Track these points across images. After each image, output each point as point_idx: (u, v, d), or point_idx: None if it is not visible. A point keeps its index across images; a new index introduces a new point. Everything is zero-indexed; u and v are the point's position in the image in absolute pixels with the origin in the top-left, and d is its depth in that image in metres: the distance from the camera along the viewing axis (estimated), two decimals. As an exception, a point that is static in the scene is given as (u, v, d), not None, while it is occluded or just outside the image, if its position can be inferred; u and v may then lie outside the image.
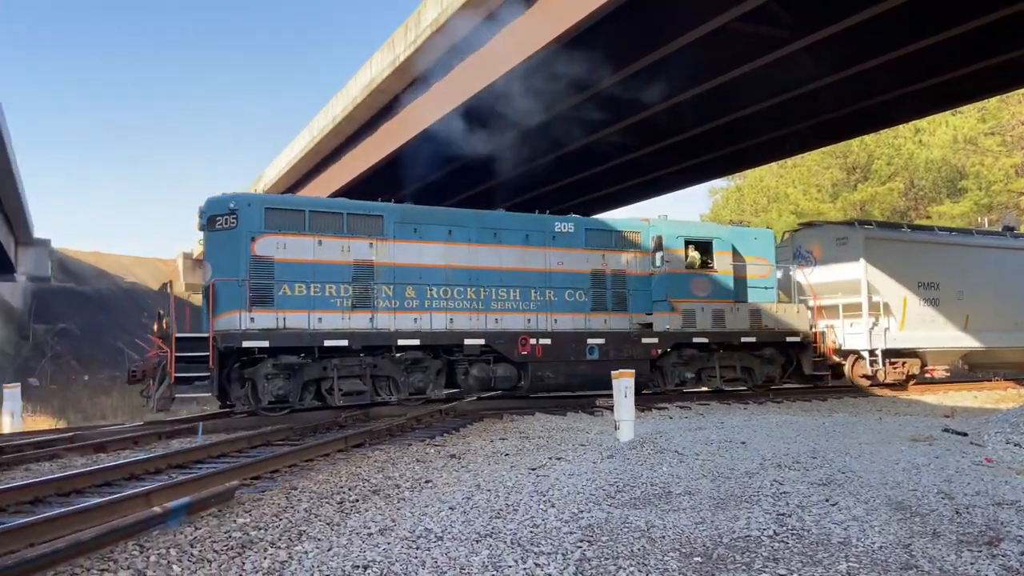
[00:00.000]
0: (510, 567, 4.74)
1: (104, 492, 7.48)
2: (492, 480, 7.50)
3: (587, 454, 9.08)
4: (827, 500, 6.29)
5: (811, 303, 18.38)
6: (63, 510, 6.01)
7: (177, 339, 12.45)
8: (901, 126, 36.08)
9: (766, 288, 17.64)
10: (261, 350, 12.87)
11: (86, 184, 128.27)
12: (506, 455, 9.21)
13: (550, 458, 8.85)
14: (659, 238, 16.37)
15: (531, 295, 15.18)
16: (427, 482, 7.58)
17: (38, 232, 40.31)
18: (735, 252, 17.10)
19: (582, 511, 6.15)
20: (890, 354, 18.81)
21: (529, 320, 15.06)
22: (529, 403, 14.83)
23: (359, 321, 13.68)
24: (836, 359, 18.57)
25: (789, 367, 17.72)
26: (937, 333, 19.65)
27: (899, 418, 13.08)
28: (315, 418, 12.72)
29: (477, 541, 5.32)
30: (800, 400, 16.52)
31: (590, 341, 15.37)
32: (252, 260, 13.04)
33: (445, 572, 4.68)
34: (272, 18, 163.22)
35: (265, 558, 5.02)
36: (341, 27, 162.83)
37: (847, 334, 18.66)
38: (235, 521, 5.97)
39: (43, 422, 14.06)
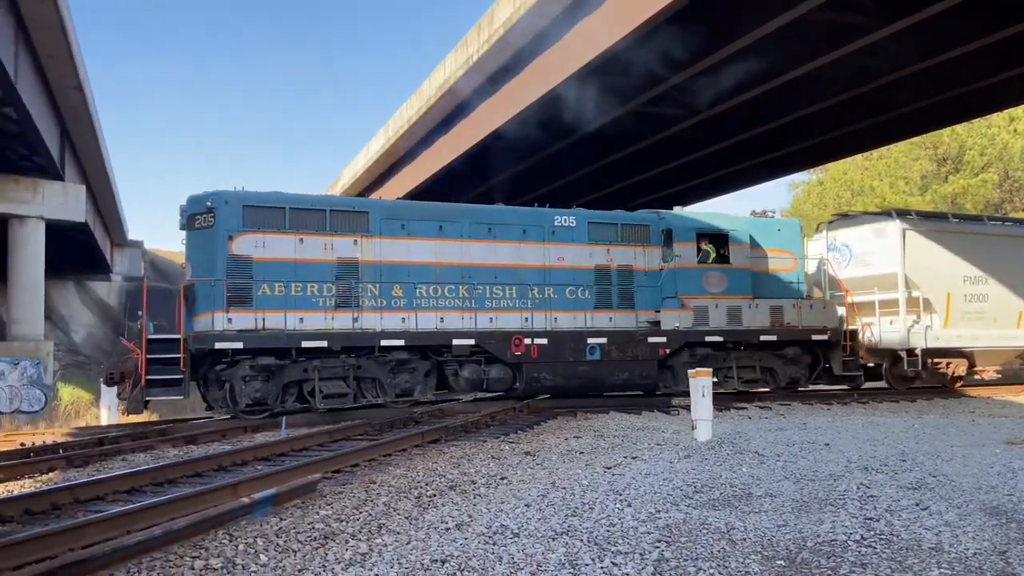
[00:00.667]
0: (587, 565, 4.73)
1: (195, 482, 7.80)
2: (567, 478, 7.49)
3: (663, 454, 8.97)
4: (917, 504, 6.05)
5: (847, 299, 17.34)
6: (157, 499, 6.29)
7: (149, 340, 12.23)
8: (995, 114, 34.27)
9: (791, 283, 16.60)
10: (236, 352, 12.55)
11: (175, 185, 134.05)
12: (581, 453, 9.19)
13: (625, 457, 8.78)
14: (669, 231, 15.50)
15: (529, 292, 14.51)
16: (502, 479, 7.62)
17: (132, 235, 42.45)
18: (754, 245, 16.11)
19: (659, 511, 6.07)
20: (932, 354, 17.45)
21: (526, 319, 14.40)
22: (603, 401, 14.70)
23: (343, 321, 13.27)
24: (871, 360, 17.36)
25: (817, 367, 16.60)
26: (987, 331, 18.04)
27: (993, 420, 12.46)
28: (391, 414, 12.93)
29: (553, 539, 5.32)
30: (887, 401, 15.89)
31: (591, 341, 14.60)
32: (230, 259, 12.75)
33: (522, 568, 4.70)
34: (352, 23, 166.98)
35: (347, 550, 5.14)
36: (416, 33, 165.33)
37: (884, 332, 17.38)
38: (318, 513, 6.14)
39: (137, 415, 14.73)
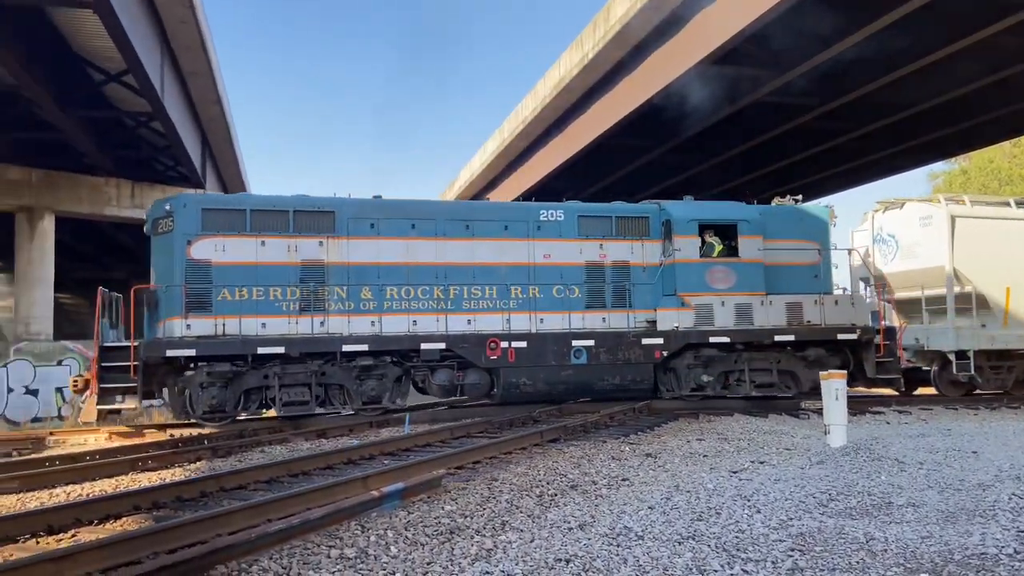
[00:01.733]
0: (716, 572, 4.60)
1: (327, 475, 8.15)
2: (691, 481, 7.32)
3: (793, 459, 8.62)
4: (1083, 521, 5.52)
5: (880, 294, 15.80)
6: (295, 490, 6.62)
7: (101, 348, 11.95)
8: None
9: (816, 276, 14.82)
10: (190, 359, 12.21)
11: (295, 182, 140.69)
12: (704, 456, 8.96)
13: (752, 462, 8.50)
14: (668, 223, 14.27)
15: (511, 292, 13.62)
16: (624, 480, 7.54)
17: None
18: (771, 235, 14.54)
19: (791, 518, 5.83)
20: (989, 356, 15.63)
21: (508, 320, 13.49)
22: (727, 404, 14.25)
23: (308, 326, 12.72)
24: (921, 362, 15.86)
25: (848, 370, 14.94)
26: None
27: None
28: (511, 412, 13.03)
29: (679, 543, 5.21)
30: (1041, 407, 14.62)
31: (576, 343, 13.59)
32: (188, 264, 12.44)
33: (647, 572, 4.62)
34: (467, 26, 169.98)
35: (472, 545, 5.22)
36: (529, 38, 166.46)
37: (931, 332, 15.66)
38: (443, 508, 6.28)
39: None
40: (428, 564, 4.84)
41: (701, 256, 14.22)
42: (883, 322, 14.87)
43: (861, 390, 15.96)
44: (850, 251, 16.14)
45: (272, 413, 12.86)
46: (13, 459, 10.07)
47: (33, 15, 14.85)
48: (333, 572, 4.67)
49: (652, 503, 6.39)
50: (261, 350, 12.36)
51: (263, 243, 12.76)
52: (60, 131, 19.26)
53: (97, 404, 11.95)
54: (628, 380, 13.84)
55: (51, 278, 23.05)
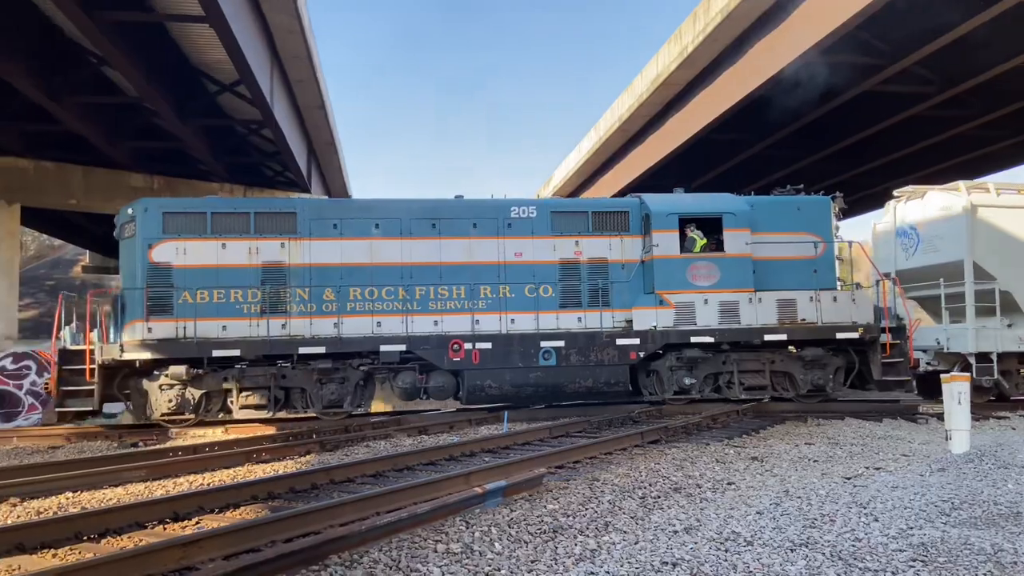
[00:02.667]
0: (831, 581, 4.41)
1: (429, 470, 8.31)
2: (802, 487, 7.06)
3: (912, 465, 8.18)
4: None
5: (884, 289, 14.29)
6: (401, 484, 6.77)
7: (60, 352, 12.25)
8: None
9: (816, 271, 13.89)
10: (144, 362, 12.35)
11: (388, 180, 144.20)
12: (815, 461, 8.63)
13: (867, 467, 8.12)
14: (647, 217, 13.67)
15: (480, 292, 13.27)
16: (729, 484, 7.35)
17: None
18: (762, 228, 13.74)
19: (911, 527, 5.53)
20: (1021, 359, 14.26)
21: (477, 321, 13.15)
22: (839, 407, 13.65)
23: (270, 328, 12.66)
24: (934, 365, 14.54)
25: (853, 372, 13.97)
26: None
27: None
28: (609, 412, 12.92)
29: (791, 550, 5.03)
30: None
31: (544, 344, 13.15)
32: (149, 267, 12.59)
33: (759, 579, 4.49)
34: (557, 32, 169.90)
35: (576, 545, 5.20)
36: (617, 38, 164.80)
37: (951, 333, 14.30)
38: (545, 507, 6.28)
39: (376, 404, 16.03)
40: (532, 562, 4.86)
41: (683, 251, 13.55)
42: (887, 320, 13.76)
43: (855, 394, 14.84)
44: (850, 243, 14.96)
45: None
46: (140, 449, 10.76)
47: (155, 31, 15.79)
48: (440, 566, 4.75)
49: (760, 508, 6.20)
50: (216, 352, 12.41)
51: (224, 245, 12.84)
52: (178, 140, 20.41)
53: (56, 407, 12.40)
54: (601, 383, 13.34)
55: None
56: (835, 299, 13.68)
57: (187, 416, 12.56)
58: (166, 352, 12.37)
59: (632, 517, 6.02)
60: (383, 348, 12.84)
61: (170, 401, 12.45)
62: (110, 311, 12.79)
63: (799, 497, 6.58)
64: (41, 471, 8.35)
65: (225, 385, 12.71)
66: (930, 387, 15.16)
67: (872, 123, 21.40)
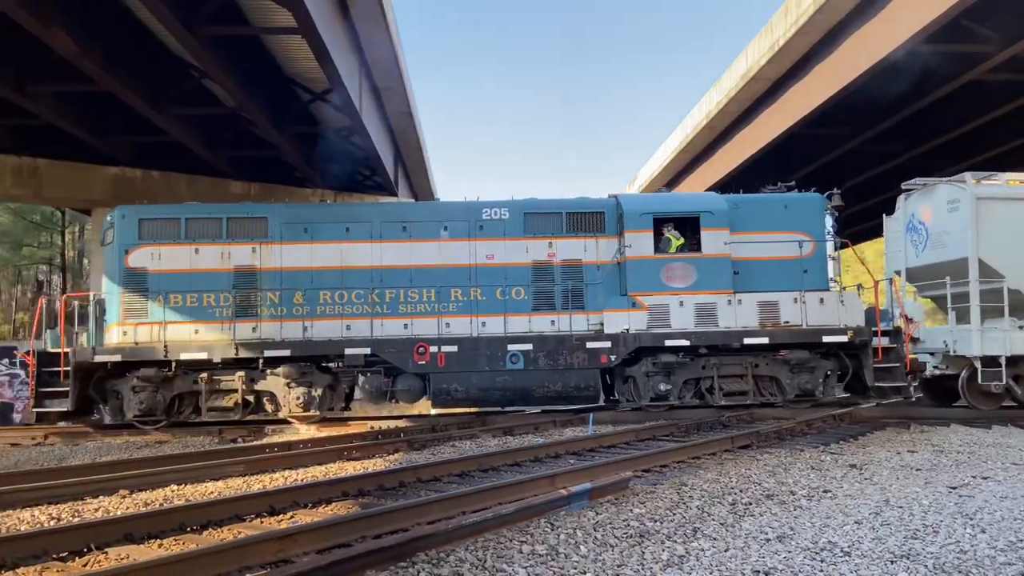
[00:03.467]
0: (936, 597, 4.19)
1: (514, 471, 8.34)
2: (903, 496, 6.74)
3: (1023, 475, 7.70)
4: None
5: (877, 290, 13.48)
6: (487, 484, 6.82)
7: (39, 354, 12.66)
8: None
9: (805, 271, 13.24)
10: (115, 364, 12.72)
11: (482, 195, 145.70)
12: (917, 470, 8.21)
13: (974, 477, 7.68)
14: (621, 218, 13.32)
15: (451, 295, 13.18)
16: (825, 492, 7.08)
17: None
18: (743, 227, 13.25)
19: (1021, 540, 5.21)
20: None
21: (448, 324, 13.07)
22: (945, 413, 12.94)
23: (241, 331, 12.85)
24: (942, 368, 13.55)
25: (846, 376, 13.27)
26: None
27: None
28: (699, 416, 12.66)
29: (892, 562, 4.81)
30: None
31: (511, 347, 12.91)
32: (126, 272, 12.97)
33: (857, 591, 4.31)
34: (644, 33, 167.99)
35: (663, 550, 5.12)
36: (716, 29, 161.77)
37: (958, 335, 13.22)
38: (631, 511, 6.20)
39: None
40: (619, 567, 4.80)
41: (657, 252, 13.20)
42: (880, 322, 13.15)
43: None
44: (843, 243, 14.37)
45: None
46: (239, 445, 11.21)
47: (251, 43, 16.45)
48: (525, 567, 4.75)
49: (859, 518, 5.95)
50: (184, 356, 12.66)
51: (197, 251, 13.14)
52: (274, 148, 21.20)
53: (33, 407, 12.83)
54: (571, 387, 13.03)
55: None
56: (822, 301, 13.13)
57: (159, 417, 12.88)
58: (135, 355, 12.73)
59: (722, 524, 5.88)
60: (348, 351, 12.89)
61: (141, 403, 12.78)
62: (90, 314, 13.25)
63: (900, 507, 6.29)
64: (149, 465, 8.82)
65: (195, 388, 12.93)
66: (940, 392, 14.42)
67: (978, 114, 20.26)
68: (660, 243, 13.34)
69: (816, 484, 7.41)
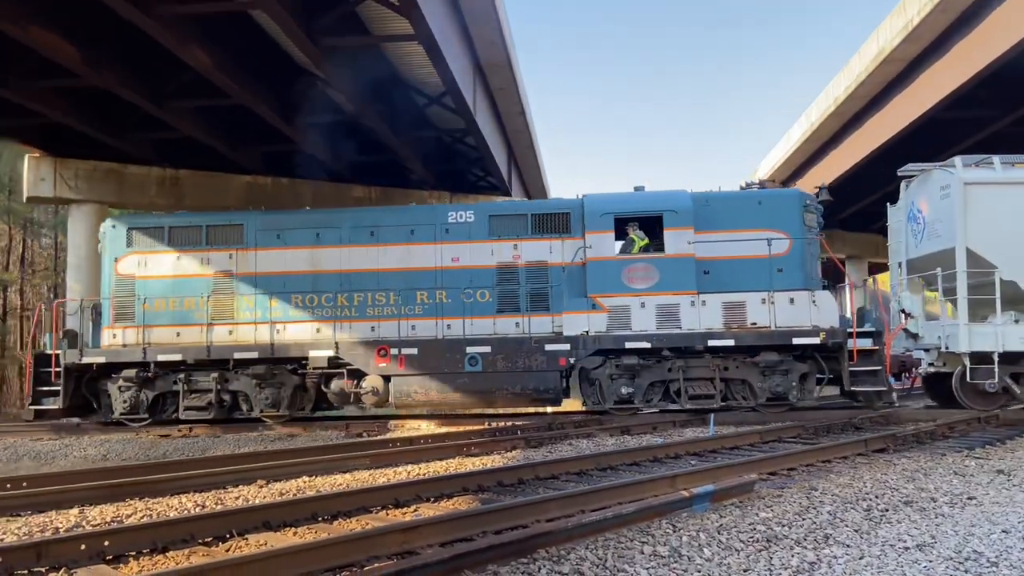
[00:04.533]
0: (1105, 618, 3.82)
1: (633, 471, 8.24)
2: (1061, 506, 6.19)
3: None
4: None
5: (851, 285, 12.73)
6: (607, 484, 6.77)
7: (35, 356, 13.68)
8: None
9: (780, 271, 12.73)
10: (100, 365, 13.51)
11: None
12: (1077, 478, 7.53)
13: None
14: (583, 218, 13.25)
15: (417, 298, 13.36)
16: (970, 499, 6.61)
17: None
18: (711, 226, 12.92)
19: None
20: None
21: (413, 327, 13.27)
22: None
23: (218, 334, 13.47)
24: (937, 366, 12.85)
25: (823, 379, 12.92)
26: None
27: None
28: (826, 416, 12.10)
29: (1050, 577, 4.43)
30: None
31: (470, 350, 12.94)
32: (116, 279, 13.82)
33: (1010, 608, 3.99)
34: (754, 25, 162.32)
35: (792, 556, 4.91)
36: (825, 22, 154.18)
37: (948, 330, 12.59)
38: (757, 515, 5.99)
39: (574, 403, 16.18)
40: (745, 571, 4.65)
41: (620, 252, 13.09)
42: (855, 321, 12.69)
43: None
44: (818, 238, 13.52)
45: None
46: (364, 439, 11.64)
47: (371, 52, 17.02)
48: (647, 568, 4.68)
49: (1007, 526, 5.52)
50: (161, 358, 13.40)
51: (178, 257, 13.92)
52: (392, 152, 21.86)
53: (31, 405, 13.76)
54: (530, 389, 12.98)
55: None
56: (792, 301, 12.66)
57: (142, 416, 13.60)
58: (117, 357, 13.59)
59: (856, 530, 5.59)
60: (312, 354, 13.28)
61: (125, 402, 13.54)
62: (82, 318, 14.26)
63: (1058, 518, 5.79)
64: (282, 457, 9.30)
65: (174, 388, 13.63)
66: (939, 390, 13.65)
67: None
68: (624, 244, 13.32)
69: (959, 490, 6.92)
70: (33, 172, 21.71)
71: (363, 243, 13.80)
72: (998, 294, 12.20)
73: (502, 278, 13.52)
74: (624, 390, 12.98)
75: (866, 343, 12.49)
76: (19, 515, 6.35)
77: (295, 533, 5.64)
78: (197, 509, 6.52)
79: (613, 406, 13.05)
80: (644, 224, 13.29)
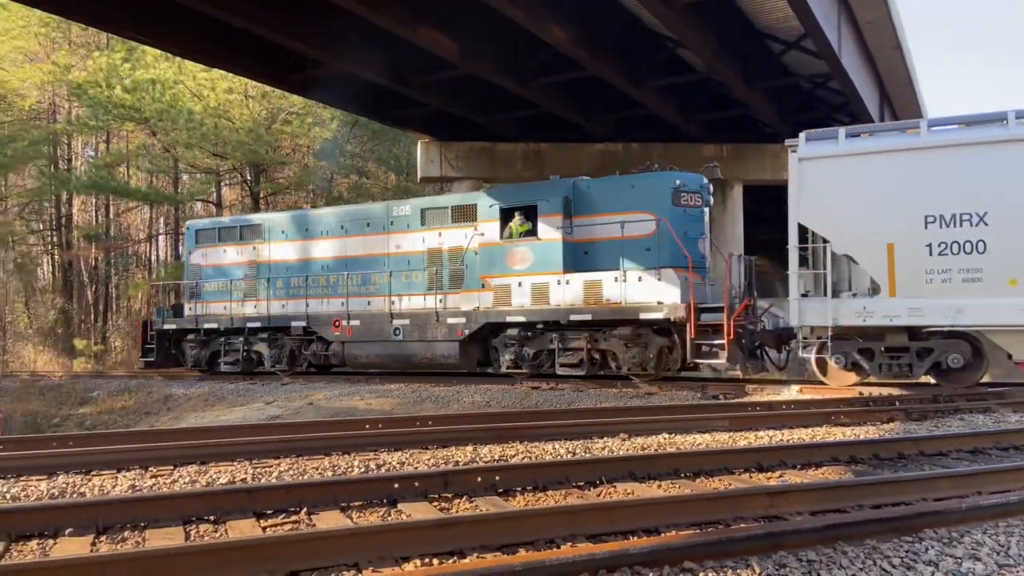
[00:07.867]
0: None
1: (1044, 453, 7.03)
2: None
3: None
4: None
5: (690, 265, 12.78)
6: (1008, 465, 5.90)
7: (143, 323, 19.26)
8: None
9: (648, 250, 13.55)
10: (173, 331, 18.42)
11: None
12: None
13: None
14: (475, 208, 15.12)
15: (372, 279, 16.03)
16: None
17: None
18: (583, 211, 14.16)
19: None
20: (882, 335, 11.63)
21: (369, 303, 16.02)
22: None
23: (247, 308, 17.48)
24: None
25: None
26: (994, 300, 10.62)
27: None
28: None
29: None
30: None
31: (395, 322, 15.46)
32: (190, 268, 18.89)
33: None
34: None
35: None
36: None
37: (783, 306, 12.67)
38: None
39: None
40: None
41: (503, 239, 14.53)
42: (693, 299, 12.82)
43: None
44: (660, 221, 13.55)
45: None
46: (721, 402, 11.56)
47: (722, 3, 16.47)
48: (1071, 567, 3.99)
49: None
50: (205, 325, 17.84)
51: (225, 250, 18.35)
52: (745, 106, 21.04)
53: (141, 356, 19.03)
54: (438, 355, 15.13)
55: (740, 240, 25.50)
56: (640, 279, 13.46)
57: (203, 368, 18.12)
58: (179, 324, 18.37)
59: None
60: (293, 324, 16.86)
61: (192, 357, 18.36)
62: (167, 297, 21.21)
63: None
64: (641, 414, 9.65)
65: (215, 348, 18.00)
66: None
67: None
68: (506, 231, 14.63)
69: None
70: (424, 155, 25.35)
71: (336, 235, 16.90)
72: (828, 268, 11.91)
73: (431, 261, 15.65)
74: (507, 356, 14.69)
75: (714, 317, 12.65)
76: (428, 448, 7.48)
77: (659, 486, 5.82)
78: (569, 455, 7.05)
79: (505, 371, 14.79)
80: (526, 213, 14.52)
